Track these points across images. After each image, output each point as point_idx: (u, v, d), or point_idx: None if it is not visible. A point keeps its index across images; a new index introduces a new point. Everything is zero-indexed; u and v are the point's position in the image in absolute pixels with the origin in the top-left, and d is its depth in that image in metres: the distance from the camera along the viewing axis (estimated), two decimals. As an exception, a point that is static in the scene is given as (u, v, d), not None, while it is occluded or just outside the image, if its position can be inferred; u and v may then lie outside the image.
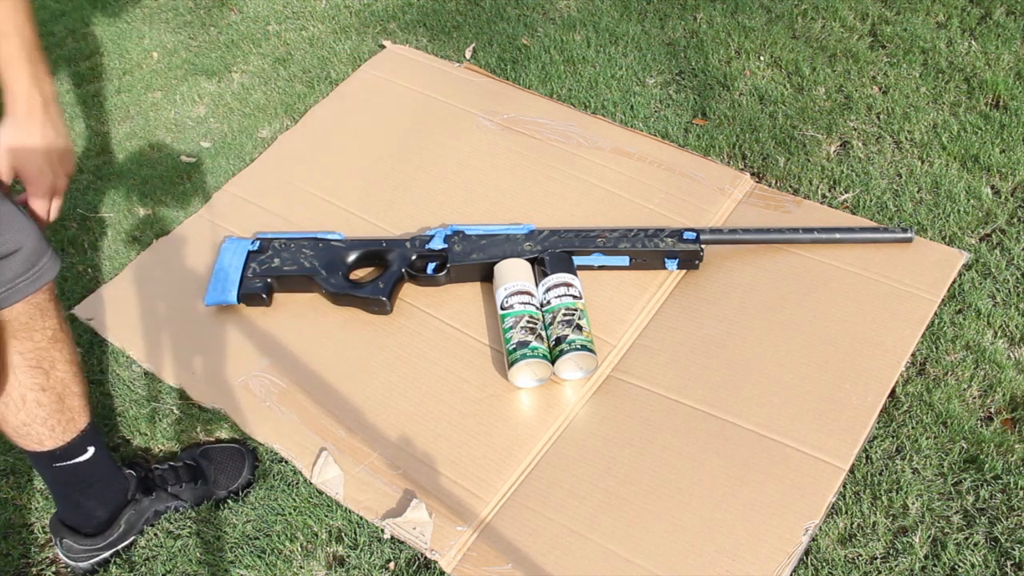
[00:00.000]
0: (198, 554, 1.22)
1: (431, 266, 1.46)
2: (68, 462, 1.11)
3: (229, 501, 1.26)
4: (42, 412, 1.05)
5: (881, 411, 1.23)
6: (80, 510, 1.18)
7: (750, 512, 1.15)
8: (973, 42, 1.73)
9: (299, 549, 1.20)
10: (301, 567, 1.18)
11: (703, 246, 1.40)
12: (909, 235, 1.39)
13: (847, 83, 1.69)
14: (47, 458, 1.10)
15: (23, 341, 1.00)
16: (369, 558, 1.18)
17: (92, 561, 1.21)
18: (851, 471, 1.17)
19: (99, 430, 1.15)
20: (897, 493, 1.15)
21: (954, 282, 1.35)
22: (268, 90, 1.91)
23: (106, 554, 1.21)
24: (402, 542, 1.19)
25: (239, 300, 1.46)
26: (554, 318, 1.33)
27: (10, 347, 0.99)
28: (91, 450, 1.13)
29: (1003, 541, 1.10)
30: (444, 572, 1.16)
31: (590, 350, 1.29)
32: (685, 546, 1.13)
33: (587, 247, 1.42)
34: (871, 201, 1.49)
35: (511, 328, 1.32)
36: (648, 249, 1.40)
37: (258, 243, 1.50)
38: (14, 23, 0.89)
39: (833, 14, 1.83)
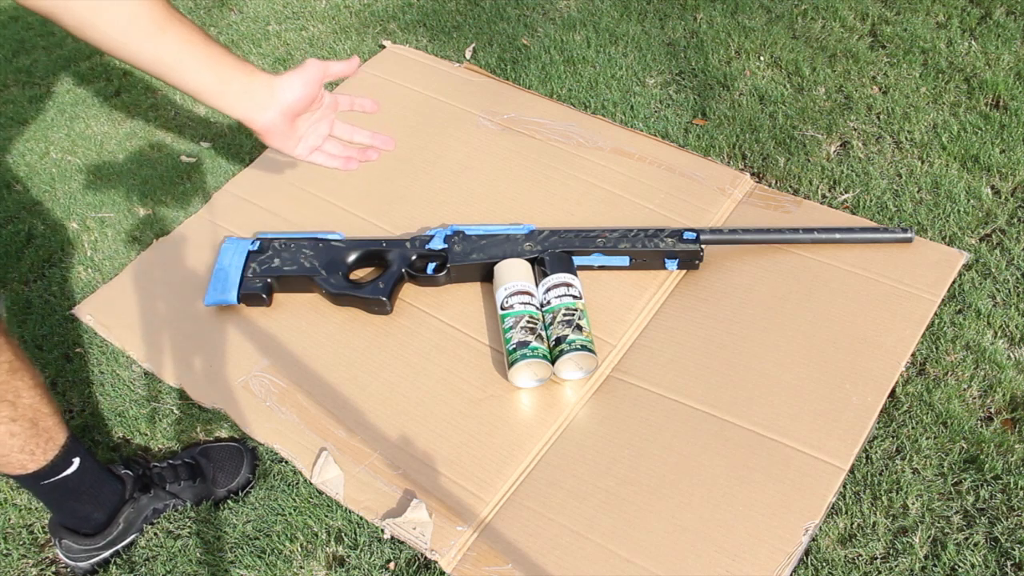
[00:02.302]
0: (198, 554, 1.22)
1: (431, 266, 1.46)
2: (55, 478, 1.10)
3: (229, 501, 1.27)
4: (17, 442, 1.04)
5: (881, 411, 1.23)
6: (77, 514, 1.18)
7: (750, 512, 1.15)
8: (973, 42, 1.73)
9: (299, 549, 1.20)
10: (301, 567, 1.18)
11: (703, 246, 1.40)
12: (909, 235, 1.39)
13: (847, 83, 1.69)
14: (32, 479, 1.09)
15: None
16: (369, 558, 1.18)
17: (92, 561, 1.21)
18: (851, 471, 1.17)
19: (79, 441, 1.14)
20: (897, 493, 1.15)
21: (954, 282, 1.35)
22: (268, 90, 1.91)
23: (106, 553, 1.21)
24: (402, 542, 1.19)
25: (239, 300, 1.46)
26: (554, 318, 1.33)
27: None
28: (76, 462, 1.12)
29: (1003, 541, 1.10)
30: (444, 572, 1.16)
31: (590, 350, 1.29)
32: (685, 546, 1.13)
33: (587, 247, 1.42)
34: (871, 201, 1.49)
35: (511, 328, 1.32)
36: (648, 249, 1.40)
37: (258, 243, 1.50)
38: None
39: (833, 14, 1.83)
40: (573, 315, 1.32)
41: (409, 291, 1.47)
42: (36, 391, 1.05)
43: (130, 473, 1.22)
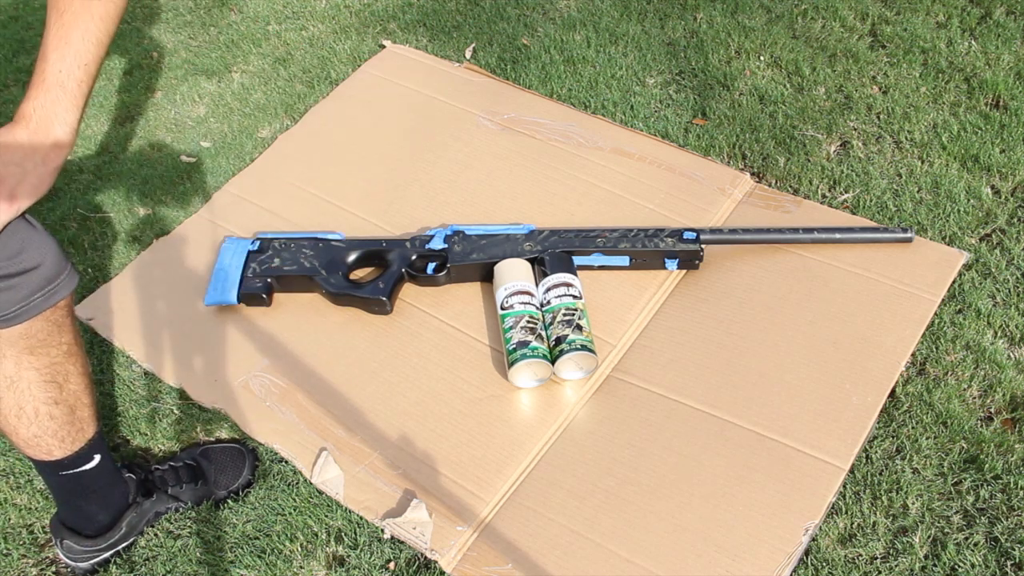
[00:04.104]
0: (198, 554, 1.22)
1: (431, 266, 1.46)
2: (74, 470, 1.12)
3: (229, 501, 1.27)
4: (53, 424, 1.06)
5: (881, 411, 1.23)
6: (82, 513, 1.18)
7: (750, 512, 1.15)
8: (973, 42, 1.73)
9: (299, 549, 1.20)
10: (301, 567, 1.18)
11: (703, 246, 1.40)
12: (909, 235, 1.39)
13: (847, 83, 1.69)
14: (54, 466, 1.10)
15: (40, 357, 1.01)
16: (369, 558, 1.18)
17: (92, 561, 1.21)
18: (851, 471, 1.17)
19: (104, 438, 1.16)
20: (897, 493, 1.15)
21: (954, 282, 1.35)
22: (268, 90, 1.91)
23: (107, 555, 1.21)
24: (402, 542, 1.19)
25: (239, 300, 1.46)
26: (554, 318, 1.33)
27: (27, 362, 1.00)
28: (97, 458, 1.13)
29: (1003, 541, 1.10)
30: (444, 572, 1.16)
31: (590, 350, 1.29)
32: (685, 546, 1.13)
33: (587, 247, 1.42)
34: (871, 201, 1.49)
35: (511, 328, 1.32)
36: (648, 249, 1.40)
37: (258, 243, 1.50)
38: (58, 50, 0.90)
39: (833, 14, 1.83)
40: (573, 315, 1.32)
41: (409, 291, 1.47)
42: (83, 379, 1.07)
43: (133, 477, 1.23)
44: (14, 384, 1.01)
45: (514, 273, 1.39)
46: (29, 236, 0.93)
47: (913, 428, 1.21)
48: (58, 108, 0.92)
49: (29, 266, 0.93)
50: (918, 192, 1.49)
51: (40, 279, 0.95)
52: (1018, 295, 1.33)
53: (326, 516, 1.23)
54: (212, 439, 1.35)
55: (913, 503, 1.14)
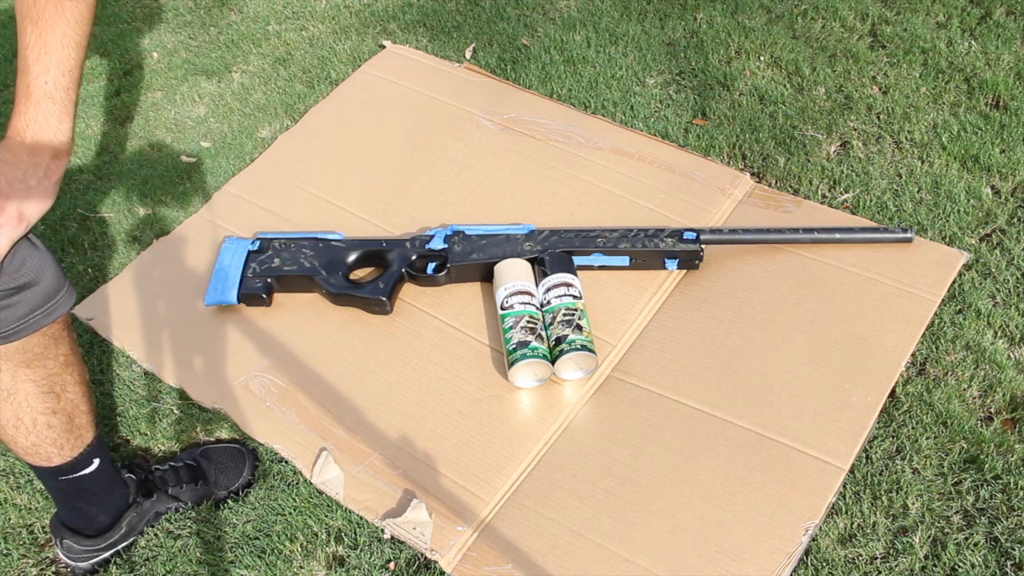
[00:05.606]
0: (198, 554, 1.22)
1: (431, 266, 1.46)
2: (73, 475, 1.12)
3: (229, 501, 1.27)
4: (52, 433, 1.06)
5: (881, 411, 1.23)
6: (81, 514, 1.19)
7: (750, 512, 1.15)
8: (973, 42, 1.73)
9: (299, 549, 1.20)
10: (301, 567, 1.18)
11: (703, 246, 1.40)
12: (909, 235, 1.39)
13: (847, 83, 1.69)
14: (53, 472, 1.11)
15: (36, 369, 1.01)
16: (369, 558, 1.18)
17: (92, 561, 1.21)
18: (851, 471, 1.17)
19: (104, 442, 1.16)
20: (897, 493, 1.15)
21: (954, 282, 1.35)
22: (268, 90, 1.91)
23: (107, 554, 1.22)
24: (402, 542, 1.19)
25: (239, 300, 1.46)
26: (554, 318, 1.33)
27: (23, 375, 1.01)
28: (96, 462, 1.14)
29: (1003, 541, 1.10)
30: (444, 572, 1.16)
31: (590, 350, 1.29)
32: (685, 546, 1.13)
33: (587, 247, 1.42)
34: (871, 201, 1.49)
35: (511, 328, 1.32)
36: (648, 249, 1.40)
37: (258, 243, 1.50)
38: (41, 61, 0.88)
39: (833, 14, 1.83)
40: (573, 315, 1.32)
41: (409, 291, 1.47)
42: (80, 387, 1.08)
43: (133, 477, 1.23)
44: (11, 396, 1.01)
45: (514, 273, 1.39)
46: (29, 252, 0.94)
47: (913, 428, 1.21)
48: (51, 119, 0.91)
49: (28, 281, 0.93)
50: (918, 192, 1.49)
51: (39, 297, 0.95)
52: (1018, 295, 1.33)
53: (326, 516, 1.23)
54: (212, 439, 1.35)
55: (913, 503, 1.14)
